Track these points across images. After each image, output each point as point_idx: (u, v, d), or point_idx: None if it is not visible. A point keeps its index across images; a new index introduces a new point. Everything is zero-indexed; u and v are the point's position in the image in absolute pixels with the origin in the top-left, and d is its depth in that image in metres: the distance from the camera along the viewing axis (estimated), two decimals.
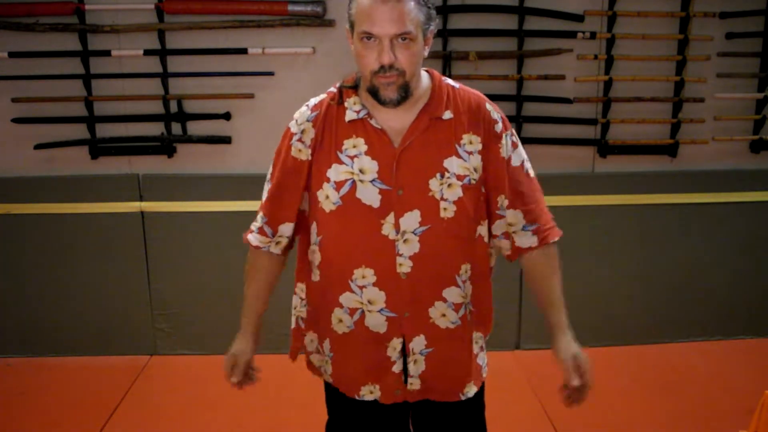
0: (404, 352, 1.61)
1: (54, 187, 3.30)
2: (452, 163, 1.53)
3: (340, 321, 1.61)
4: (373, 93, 1.48)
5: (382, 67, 1.43)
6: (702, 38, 3.27)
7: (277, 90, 3.25)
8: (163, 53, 3.18)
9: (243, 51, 3.18)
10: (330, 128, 1.55)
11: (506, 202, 1.59)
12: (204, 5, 3.15)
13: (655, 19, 3.26)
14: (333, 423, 1.78)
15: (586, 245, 3.41)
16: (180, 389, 3.13)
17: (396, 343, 1.59)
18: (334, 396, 1.72)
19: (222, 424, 2.86)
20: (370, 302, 1.57)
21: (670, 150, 3.41)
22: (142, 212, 3.32)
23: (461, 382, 1.65)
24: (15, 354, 3.41)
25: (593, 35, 3.23)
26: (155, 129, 3.29)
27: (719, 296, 3.54)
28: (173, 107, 3.26)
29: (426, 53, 1.50)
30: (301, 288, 1.71)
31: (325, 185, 1.55)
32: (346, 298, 1.59)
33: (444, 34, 3.17)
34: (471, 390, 1.67)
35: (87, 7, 3.12)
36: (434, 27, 1.50)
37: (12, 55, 3.15)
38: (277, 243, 1.65)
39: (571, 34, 3.23)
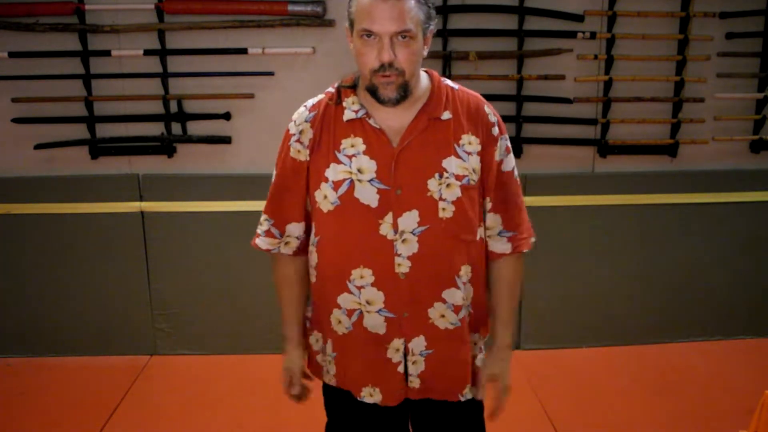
0: (405, 353, 1.60)
1: (54, 187, 3.30)
2: (451, 163, 1.53)
3: (339, 322, 1.61)
4: (372, 92, 1.48)
5: (381, 66, 1.43)
6: (702, 38, 3.27)
7: (277, 90, 3.25)
8: (163, 53, 3.18)
9: (243, 51, 3.18)
10: (328, 128, 1.55)
11: (489, 205, 1.60)
12: (204, 5, 3.15)
13: (655, 19, 3.26)
14: (333, 425, 1.78)
15: (586, 245, 3.40)
16: (180, 389, 3.13)
17: (398, 344, 1.59)
18: (334, 398, 1.72)
19: (222, 424, 2.86)
20: (368, 303, 1.57)
21: (670, 150, 3.41)
22: (142, 212, 3.32)
23: (461, 382, 1.65)
24: (15, 354, 3.41)
25: (593, 35, 3.23)
26: (155, 129, 3.29)
27: (719, 296, 3.54)
28: (173, 107, 3.26)
29: (425, 52, 1.50)
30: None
31: (323, 185, 1.54)
32: (343, 299, 1.58)
33: (444, 34, 3.17)
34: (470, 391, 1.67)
35: (87, 7, 3.12)
36: (434, 26, 1.50)
37: (12, 55, 3.15)
38: (287, 243, 1.65)
39: (571, 34, 3.22)
